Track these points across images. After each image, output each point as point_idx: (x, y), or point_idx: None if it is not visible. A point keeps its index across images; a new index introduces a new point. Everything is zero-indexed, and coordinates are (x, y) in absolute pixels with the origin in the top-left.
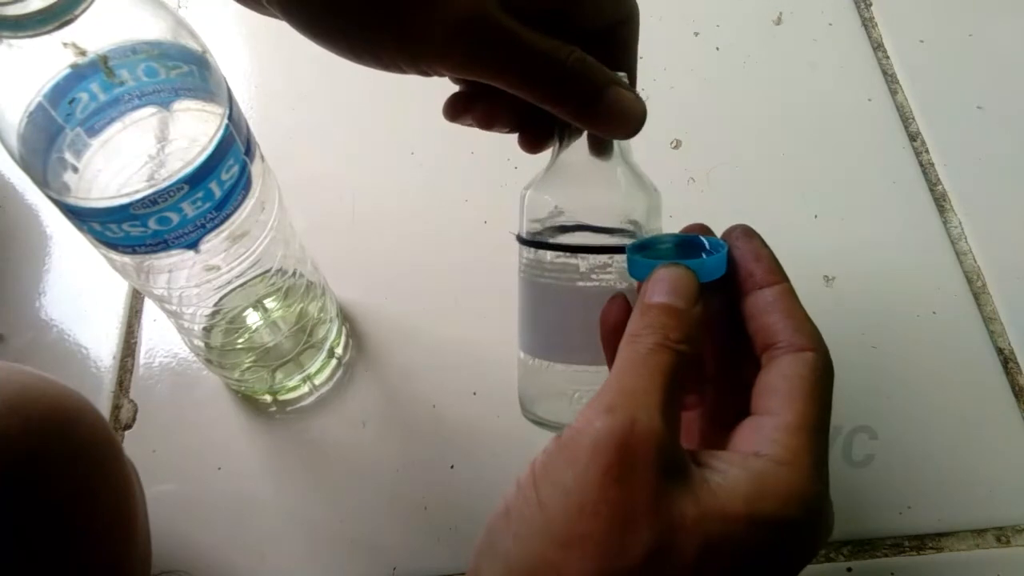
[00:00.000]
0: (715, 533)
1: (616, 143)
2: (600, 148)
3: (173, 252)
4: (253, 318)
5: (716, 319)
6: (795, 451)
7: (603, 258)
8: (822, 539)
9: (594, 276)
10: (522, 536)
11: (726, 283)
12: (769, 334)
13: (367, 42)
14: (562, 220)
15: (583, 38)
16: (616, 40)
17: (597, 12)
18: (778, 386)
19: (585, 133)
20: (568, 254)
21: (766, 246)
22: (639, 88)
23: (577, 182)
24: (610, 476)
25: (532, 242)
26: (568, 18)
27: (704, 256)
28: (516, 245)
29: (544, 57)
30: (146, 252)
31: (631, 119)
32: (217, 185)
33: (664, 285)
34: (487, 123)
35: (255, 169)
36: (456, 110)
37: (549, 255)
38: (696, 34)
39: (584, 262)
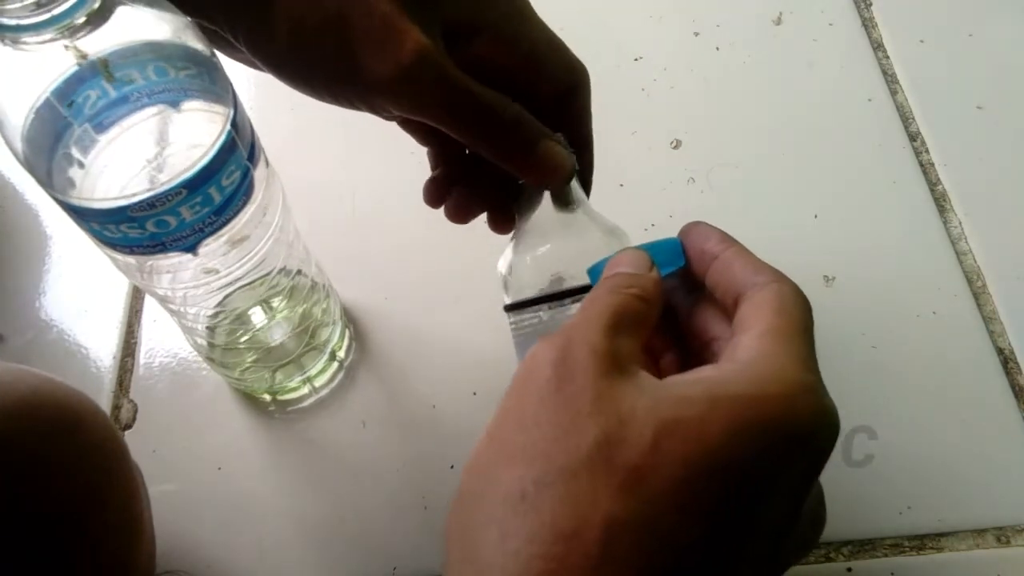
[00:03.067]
0: (673, 416)
1: (574, 194)
2: (562, 201)
3: (171, 255)
4: (258, 317)
5: (686, 324)
6: (771, 347)
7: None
8: (825, 427)
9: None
10: (470, 467)
11: (693, 286)
12: (734, 287)
13: (325, 83)
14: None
15: (539, 106)
16: (569, 106)
17: (550, 77)
18: (746, 313)
19: (546, 193)
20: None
21: (714, 227)
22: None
23: (552, 239)
24: (547, 389)
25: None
26: (526, 84)
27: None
28: None
29: (486, 107)
30: (144, 253)
31: (560, 170)
32: (217, 190)
33: (617, 266)
34: (463, 213)
35: (258, 174)
36: (435, 196)
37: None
38: (696, 34)
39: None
